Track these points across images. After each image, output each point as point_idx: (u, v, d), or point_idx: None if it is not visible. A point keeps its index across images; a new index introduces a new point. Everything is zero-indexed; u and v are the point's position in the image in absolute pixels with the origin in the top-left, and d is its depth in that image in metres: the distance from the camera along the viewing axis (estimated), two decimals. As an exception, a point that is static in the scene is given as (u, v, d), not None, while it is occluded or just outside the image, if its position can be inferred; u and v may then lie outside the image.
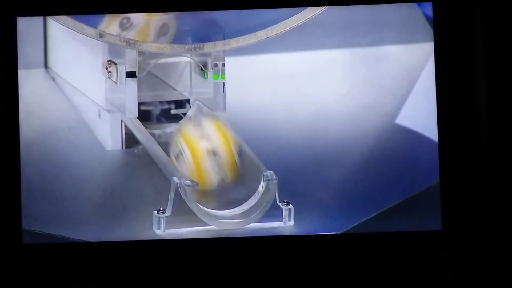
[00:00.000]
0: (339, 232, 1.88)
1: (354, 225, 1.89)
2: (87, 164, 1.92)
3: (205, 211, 1.81)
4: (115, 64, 1.92)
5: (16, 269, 1.98)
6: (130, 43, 1.84)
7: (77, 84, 2.00)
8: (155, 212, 1.84)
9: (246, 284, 1.96)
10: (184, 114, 1.99)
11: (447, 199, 1.97)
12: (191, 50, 1.85)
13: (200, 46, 1.85)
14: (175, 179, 1.81)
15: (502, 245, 1.99)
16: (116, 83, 1.92)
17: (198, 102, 1.96)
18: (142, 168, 1.91)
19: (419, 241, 1.98)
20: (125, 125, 1.96)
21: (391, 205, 1.95)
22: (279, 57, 2.02)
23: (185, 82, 1.97)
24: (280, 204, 1.87)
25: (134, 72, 1.91)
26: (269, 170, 1.83)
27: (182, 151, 1.85)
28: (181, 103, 1.99)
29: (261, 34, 1.85)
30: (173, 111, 1.98)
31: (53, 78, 2.06)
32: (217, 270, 1.93)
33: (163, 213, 1.83)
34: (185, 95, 1.99)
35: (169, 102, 1.97)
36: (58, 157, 1.94)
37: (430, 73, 1.98)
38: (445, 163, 1.98)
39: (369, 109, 2.00)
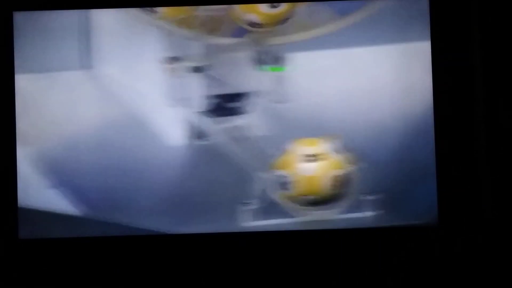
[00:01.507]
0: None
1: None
2: (145, 159, 1.94)
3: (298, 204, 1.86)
4: (178, 60, 1.95)
5: (12, 263, 1.98)
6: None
7: (127, 82, 2.01)
8: (241, 205, 1.88)
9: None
10: (242, 107, 2.02)
11: (443, 194, 1.98)
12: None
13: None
14: (262, 173, 1.87)
15: (497, 239, 2.00)
16: (180, 78, 1.95)
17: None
18: (207, 162, 1.94)
19: (416, 235, 1.98)
20: (187, 120, 1.98)
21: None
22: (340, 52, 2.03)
23: (243, 76, 1.99)
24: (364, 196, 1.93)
25: (201, 66, 1.95)
26: None
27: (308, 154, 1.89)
28: (240, 96, 2.01)
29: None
30: (231, 105, 2.00)
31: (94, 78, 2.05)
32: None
33: (249, 205, 1.88)
34: (244, 88, 2.01)
35: (228, 96, 1.99)
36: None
37: (427, 70, 1.99)
38: (442, 159, 1.98)
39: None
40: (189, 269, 1.97)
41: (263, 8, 1.93)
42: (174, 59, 1.95)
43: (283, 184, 1.83)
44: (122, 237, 1.95)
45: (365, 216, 1.93)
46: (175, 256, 1.97)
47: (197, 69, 1.93)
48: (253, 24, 1.94)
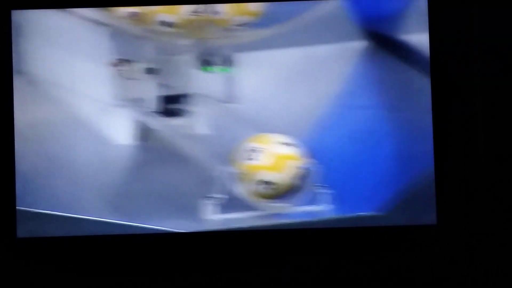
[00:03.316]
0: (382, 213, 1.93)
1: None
2: (92, 159, 1.96)
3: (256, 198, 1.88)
4: (129, 62, 1.98)
5: (10, 262, 1.98)
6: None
7: (70, 85, 2.02)
8: (204, 199, 1.90)
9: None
10: (184, 108, 2.03)
11: (442, 194, 1.98)
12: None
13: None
14: (222, 167, 1.88)
15: (496, 239, 2.00)
16: (130, 80, 1.98)
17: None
18: (156, 161, 1.96)
19: (414, 235, 1.98)
20: (134, 120, 2.01)
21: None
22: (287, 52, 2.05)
23: (191, 77, 2.02)
24: (318, 189, 1.93)
25: (152, 68, 1.97)
26: None
27: (256, 147, 1.90)
28: (188, 97, 2.03)
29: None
30: (176, 106, 2.02)
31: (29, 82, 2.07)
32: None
33: (212, 200, 1.89)
34: (192, 89, 2.04)
35: (177, 97, 2.02)
36: (55, 153, 1.96)
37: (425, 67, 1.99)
38: (441, 159, 1.98)
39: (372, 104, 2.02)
40: (153, 266, 1.98)
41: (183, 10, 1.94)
42: (124, 61, 1.97)
43: (240, 178, 1.86)
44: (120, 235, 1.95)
45: (323, 209, 1.94)
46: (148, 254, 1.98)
47: (147, 71, 1.95)
48: (165, 24, 1.95)
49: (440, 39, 1.99)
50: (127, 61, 1.99)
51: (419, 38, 1.97)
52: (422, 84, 1.98)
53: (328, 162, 1.94)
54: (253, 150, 1.87)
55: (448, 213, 1.99)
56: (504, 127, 2.01)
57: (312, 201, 1.93)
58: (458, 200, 2.01)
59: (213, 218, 1.90)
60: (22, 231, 1.94)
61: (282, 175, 1.88)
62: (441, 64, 1.99)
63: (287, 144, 1.88)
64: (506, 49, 2.01)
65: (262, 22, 1.96)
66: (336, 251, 1.99)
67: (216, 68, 1.98)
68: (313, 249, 1.98)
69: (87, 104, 1.98)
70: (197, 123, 1.98)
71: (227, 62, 1.97)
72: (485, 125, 2.01)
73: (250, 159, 1.87)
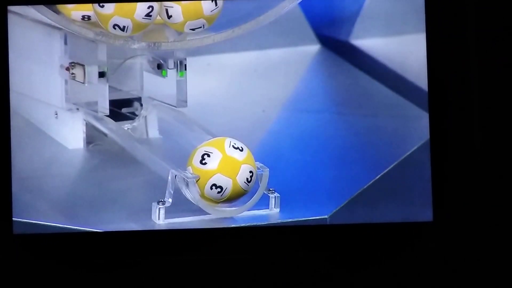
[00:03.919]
0: (326, 216, 1.93)
1: (338, 208, 1.94)
2: (46, 164, 1.97)
3: (204, 201, 1.87)
4: (81, 65, 1.98)
5: (7, 259, 1.98)
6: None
7: (20, 89, 2.03)
8: (155, 203, 1.89)
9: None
10: (135, 112, 2.06)
11: (438, 190, 1.98)
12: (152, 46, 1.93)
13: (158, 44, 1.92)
14: (174, 171, 1.88)
15: (493, 236, 2.00)
16: (82, 83, 1.98)
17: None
18: (109, 164, 1.97)
19: (410, 232, 1.99)
20: (86, 124, 2.02)
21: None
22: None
23: (139, 81, 2.03)
24: (266, 192, 1.93)
25: (105, 72, 1.96)
26: None
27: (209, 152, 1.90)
28: (134, 102, 2.06)
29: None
30: (125, 110, 2.05)
31: None
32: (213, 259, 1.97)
33: (163, 204, 1.88)
34: (138, 93, 2.06)
35: (123, 101, 2.03)
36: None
37: (422, 65, 1.98)
38: (437, 154, 1.98)
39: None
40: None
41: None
42: (74, 65, 1.98)
43: (190, 182, 1.85)
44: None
45: (271, 213, 1.95)
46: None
47: (100, 75, 1.96)
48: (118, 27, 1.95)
49: (436, 38, 1.99)
50: (80, 64, 1.99)
51: (415, 38, 1.97)
52: (373, 88, 1.98)
53: (278, 167, 1.95)
54: (204, 154, 1.87)
55: (444, 210, 1.99)
56: (500, 124, 2.01)
57: (261, 205, 1.94)
58: (454, 197, 2.01)
59: (163, 222, 1.90)
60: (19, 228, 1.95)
61: (232, 179, 1.88)
62: (437, 63, 1.99)
63: (238, 148, 1.88)
64: (504, 49, 2.00)
65: (215, 26, 1.97)
66: (330, 248, 1.99)
67: (168, 72, 1.98)
68: (310, 246, 1.99)
69: (40, 109, 1.99)
70: (148, 127, 1.99)
71: (180, 66, 1.97)
72: (481, 122, 2.01)
73: (201, 163, 1.86)
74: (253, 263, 1.99)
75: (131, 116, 2.04)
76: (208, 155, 1.88)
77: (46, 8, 1.93)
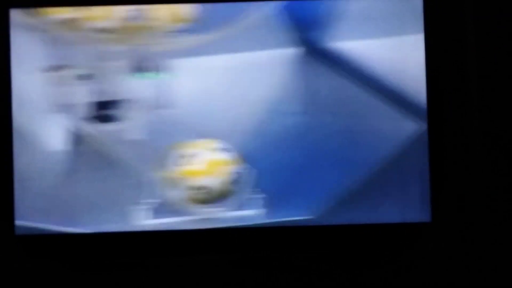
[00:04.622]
0: (313, 217, 1.94)
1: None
2: (28, 166, 1.97)
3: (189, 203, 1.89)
4: (62, 67, 1.99)
5: (9, 260, 1.99)
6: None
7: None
8: (137, 205, 1.92)
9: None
10: (123, 114, 2.07)
11: (436, 191, 1.98)
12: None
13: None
14: (155, 173, 1.90)
15: (491, 237, 2.00)
16: (64, 86, 1.99)
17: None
18: (89, 167, 1.98)
19: (409, 232, 1.99)
20: (71, 126, 2.03)
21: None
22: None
23: (124, 83, 2.03)
24: (252, 194, 1.96)
25: (86, 74, 1.98)
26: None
27: (195, 153, 1.92)
28: (121, 103, 2.06)
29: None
30: (109, 111, 2.06)
31: None
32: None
33: (146, 204, 1.91)
34: (125, 95, 2.07)
35: (110, 103, 2.04)
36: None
37: (421, 65, 1.98)
38: (435, 155, 1.98)
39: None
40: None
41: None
42: (57, 67, 1.98)
43: (173, 183, 1.88)
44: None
45: (255, 214, 1.97)
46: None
47: (81, 77, 1.96)
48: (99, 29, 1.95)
49: (435, 39, 1.99)
50: (61, 67, 1.99)
51: (414, 39, 1.98)
52: (352, 91, 1.99)
53: (261, 167, 1.97)
54: (186, 155, 1.88)
55: (442, 210, 2.00)
56: (499, 125, 2.01)
57: (243, 206, 1.95)
58: (452, 197, 2.01)
59: (145, 223, 1.92)
60: (21, 229, 1.95)
61: (214, 180, 1.88)
62: (436, 65, 1.99)
63: (220, 149, 1.89)
64: (502, 50, 2.01)
65: (196, 28, 1.98)
66: (329, 248, 1.99)
67: (149, 74, 1.99)
68: (305, 245, 1.99)
69: (22, 111, 1.99)
70: (129, 128, 1.99)
71: (161, 68, 1.98)
72: (480, 123, 2.01)
73: (183, 164, 1.88)
74: (241, 263, 2.00)
75: (113, 118, 2.04)
76: (188, 156, 1.90)
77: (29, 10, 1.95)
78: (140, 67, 1.99)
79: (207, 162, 1.90)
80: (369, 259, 2.00)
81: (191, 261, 1.99)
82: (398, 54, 1.98)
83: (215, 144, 1.91)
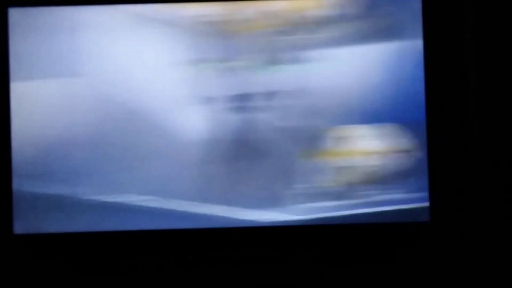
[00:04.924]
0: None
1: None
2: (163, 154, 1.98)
3: None
4: (202, 60, 1.99)
5: (7, 258, 1.99)
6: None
7: (135, 84, 2.03)
8: (291, 190, 1.96)
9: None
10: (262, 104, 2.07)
11: (435, 191, 1.98)
12: None
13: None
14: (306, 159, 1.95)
15: (489, 236, 2.01)
16: (204, 78, 1.99)
17: None
18: (234, 155, 2.00)
19: (408, 232, 1.99)
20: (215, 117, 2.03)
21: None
22: None
23: (263, 75, 2.03)
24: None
25: (226, 67, 2.00)
26: None
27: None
28: (259, 95, 2.06)
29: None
30: (253, 102, 2.05)
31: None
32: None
33: (301, 189, 1.97)
34: (265, 87, 2.07)
35: (249, 95, 2.04)
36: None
37: (419, 69, 1.99)
38: (434, 155, 1.98)
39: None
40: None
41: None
42: (197, 60, 1.98)
43: (327, 167, 1.94)
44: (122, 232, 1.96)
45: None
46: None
47: (222, 70, 1.96)
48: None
49: (434, 43, 2.00)
50: (201, 60, 1.99)
51: (413, 43, 1.98)
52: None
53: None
54: (339, 138, 1.94)
55: (441, 210, 2.00)
56: (498, 126, 2.01)
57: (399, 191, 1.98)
58: (451, 197, 2.01)
59: (300, 207, 1.96)
60: (19, 227, 1.95)
61: (373, 162, 1.96)
62: (435, 68, 2.00)
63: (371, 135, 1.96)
64: (501, 53, 2.01)
65: (335, 19, 1.99)
66: (328, 247, 2.00)
67: (290, 65, 1.99)
68: (305, 243, 2.00)
69: (158, 103, 1.99)
70: (274, 117, 1.99)
71: (302, 58, 1.98)
72: (479, 124, 2.01)
73: (335, 147, 1.94)
74: (241, 263, 2.00)
75: (257, 108, 2.02)
76: (342, 140, 1.95)
77: None
78: (279, 58, 1.98)
79: (361, 147, 1.94)
80: (369, 259, 2.00)
81: (191, 261, 1.99)
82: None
83: (365, 130, 1.95)
